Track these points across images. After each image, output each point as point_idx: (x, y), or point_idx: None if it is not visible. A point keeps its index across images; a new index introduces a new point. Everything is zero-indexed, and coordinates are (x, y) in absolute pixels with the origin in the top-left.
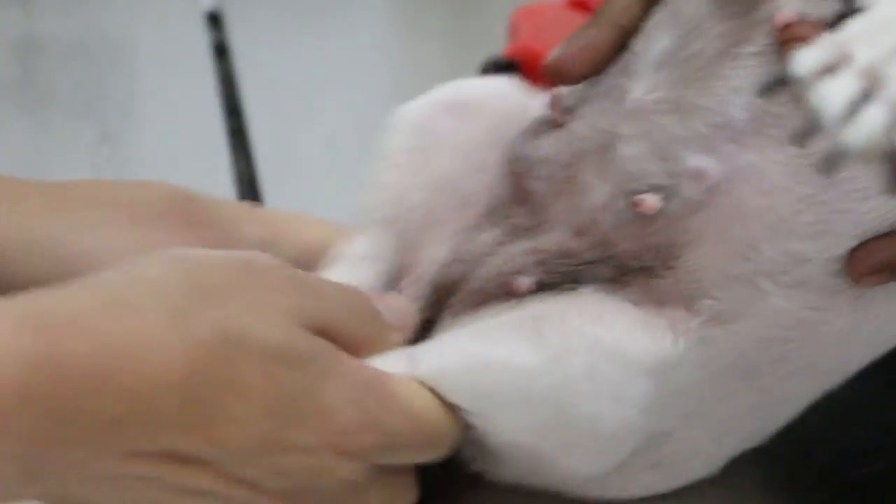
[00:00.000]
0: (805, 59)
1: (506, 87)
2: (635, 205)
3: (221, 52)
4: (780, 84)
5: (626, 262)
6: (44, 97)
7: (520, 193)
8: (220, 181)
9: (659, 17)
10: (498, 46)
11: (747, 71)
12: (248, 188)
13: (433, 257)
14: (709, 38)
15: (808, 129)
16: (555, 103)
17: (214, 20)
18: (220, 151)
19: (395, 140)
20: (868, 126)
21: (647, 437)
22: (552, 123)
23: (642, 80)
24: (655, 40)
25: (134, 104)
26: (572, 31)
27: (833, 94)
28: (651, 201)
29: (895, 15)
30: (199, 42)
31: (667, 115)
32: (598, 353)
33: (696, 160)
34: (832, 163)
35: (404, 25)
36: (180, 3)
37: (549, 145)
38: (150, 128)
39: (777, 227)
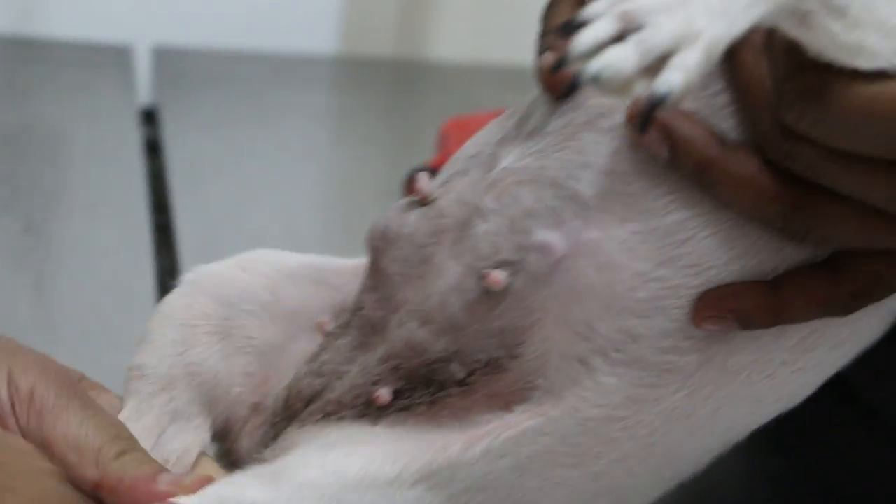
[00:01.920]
0: (596, 4)
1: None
2: (482, 278)
3: (154, 148)
4: (574, 26)
5: (474, 356)
6: None
7: (374, 275)
8: (142, 276)
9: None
10: (431, 153)
11: (600, 147)
12: (170, 285)
13: (285, 373)
14: (581, 108)
15: (559, 61)
16: (413, 184)
17: (149, 117)
18: (144, 247)
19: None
20: (611, 59)
21: None
22: (421, 200)
23: (514, 149)
24: (536, 108)
25: (62, 195)
26: None
27: (587, 31)
28: (498, 276)
29: None
30: (132, 137)
31: (525, 186)
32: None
33: (543, 234)
34: (571, 89)
35: (341, 129)
36: (117, 98)
37: (413, 222)
38: (76, 220)
39: (612, 305)
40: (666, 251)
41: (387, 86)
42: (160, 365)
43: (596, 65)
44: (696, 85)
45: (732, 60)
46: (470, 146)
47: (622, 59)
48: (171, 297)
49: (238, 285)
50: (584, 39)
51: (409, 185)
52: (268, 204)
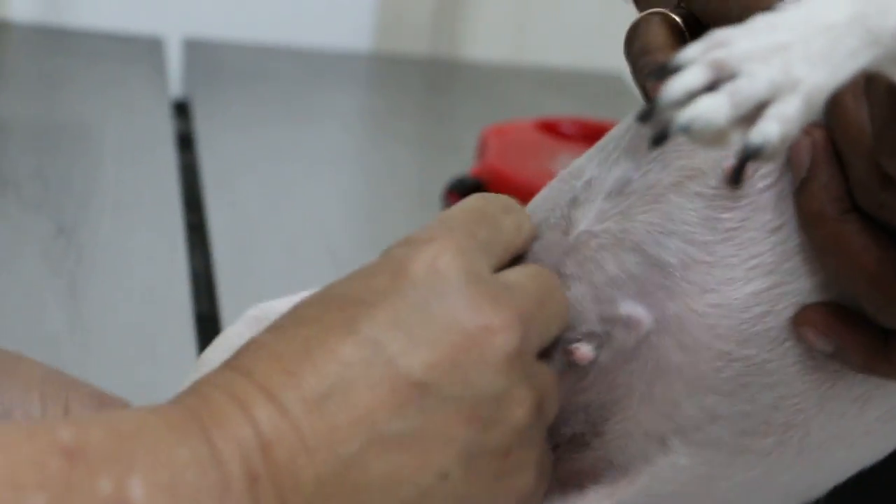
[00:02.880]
0: (689, 49)
1: None
2: (570, 353)
3: (186, 142)
4: (667, 71)
5: (559, 429)
6: (1, 184)
7: None
8: (176, 277)
9: (618, 143)
10: (466, 156)
11: (687, 213)
12: (205, 286)
13: None
14: (668, 168)
15: (648, 110)
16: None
17: (181, 109)
18: (178, 247)
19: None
20: (701, 109)
21: None
22: None
23: (591, 210)
24: (613, 167)
25: (94, 193)
26: (538, 152)
27: (679, 78)
28: (585, 351)
29: (784, 21)
30: (165, 131)
31: (607, 251)
32: None
33: (629, 306)
34: (659, 139)
35: (375, 129)
36: (149, 91)
37: None
38: (108, 220)
39: (696, 384)
40: (749, 328)
41: (420, 85)
42: None
43: (687, 115)
44: (796, 136)
45: (830, 103)
46: (534, 209)
47: (714, 108)
48: (232, 329)
49: None
50: (674, 88)
51: (451, 195)
52: (300, 202)
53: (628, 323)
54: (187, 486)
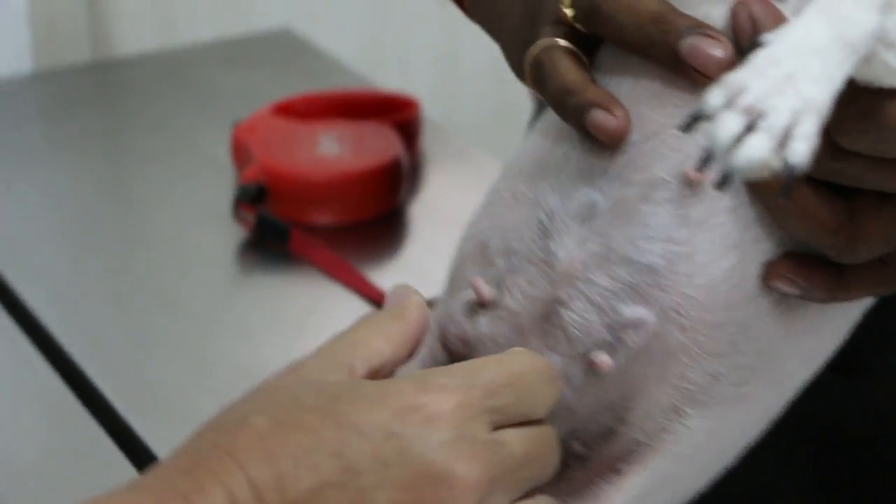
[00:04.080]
0: (710, 98)
1: None
2: (593, 365)
3: None
4: (696, 120)
5: (590, 429)
6: None
7: None
8: None
9: (560, 169)
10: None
11: (660, 217)
12: None
13: None
14: (632, 185)
15: (705, 158)
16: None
17: None
18: None
19: None
20: (751, 150)
21: None
22: (482, 303)
23: (568, 238)
24: (572, 193)
25: None
26: (297, 139)
27: (721, 128)
28: (604, 359)
29: (782, 53)
30: None
31: (596, 270)
32: None
33: (633, 310)
34: (725, 182)
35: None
36: None
37: (486, 324)
38: None
39: (699, 354)
40: (731, 296)
41: (88, 91)
42: None
43: (742, 159)
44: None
45: None
46: (486, 236)
47: (761, 147)
48: None
49: None
50: (722, 139)
51: (243, 206)
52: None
53: (635, 325)
54: None
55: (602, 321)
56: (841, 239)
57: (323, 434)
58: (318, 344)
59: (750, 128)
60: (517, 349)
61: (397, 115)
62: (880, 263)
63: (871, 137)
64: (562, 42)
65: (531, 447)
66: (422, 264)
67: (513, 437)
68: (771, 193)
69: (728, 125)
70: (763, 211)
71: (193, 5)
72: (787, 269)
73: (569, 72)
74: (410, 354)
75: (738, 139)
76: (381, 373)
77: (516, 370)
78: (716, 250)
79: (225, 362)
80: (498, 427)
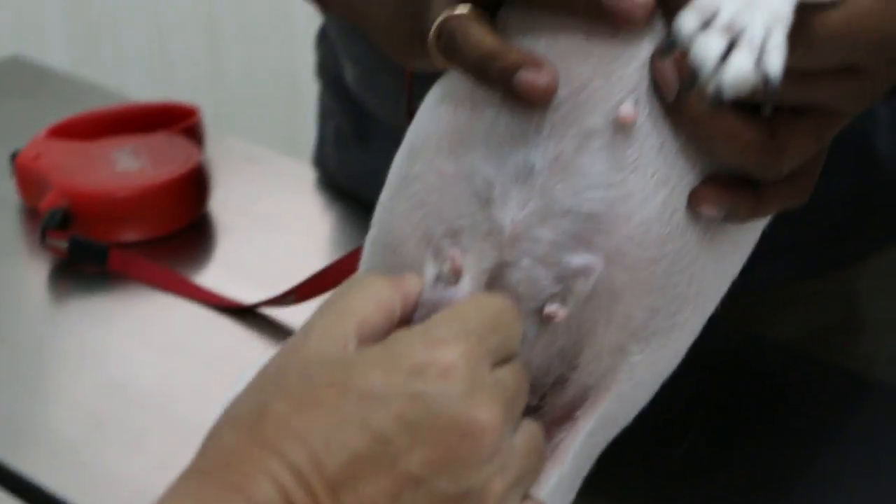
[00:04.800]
0: (684, 23)
1: None
2: (547, 318)
3: None
4: (670, 46)
5: (543, 381)
6: None
7: None
8: None
9: (489, 135)
10: None
11: (597, 165)
12: None
13: None
14: (566, 138)
15: (692, 78)
16: (453, 265)
17: None
18: None
19: None
20: (738, 66)
21: None
22: (451, 277)
23: (509, 203)
24: (505, 158)
25: None
26: (90, 159)
27: (705, 49)
28: (555, 309)
29: None
30: None
31: (542, 226)
32: None
33: (579, 258)
34: (717, 100)
35: None
36: None
37: (456, 293)
38: None
39: (640, 292)
40: (665, 230)
41: None
42: None
43: (731, 76)
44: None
45: None
46: (436, 228)
47: (746, 63)
48: None
49: None
50: (707, 60)
51: (52, 233)
52: None
53: (584, 272)
54: None
55: (550, 274)
56: (765, 156)
57: (346, 408)
58: (163, 358)
59: (731, 45)
60: (479, 294)
61: (180, 123)
62: (791, 177)
63: (798, 54)
64: (467, 8)
65: (519, 379)
66: (240, 261)
67: (505, 373)
68: (699, 120)
69: (711, 45)
70: (686, 144)
71: None
72: (711, 192)
73: (485, 37)
74: (404, 322)
75: (723, 58)
76: (372, 340)
77: (494, 312)
78: (649, 188)
79: (62, 391)
80: (493, 367)
